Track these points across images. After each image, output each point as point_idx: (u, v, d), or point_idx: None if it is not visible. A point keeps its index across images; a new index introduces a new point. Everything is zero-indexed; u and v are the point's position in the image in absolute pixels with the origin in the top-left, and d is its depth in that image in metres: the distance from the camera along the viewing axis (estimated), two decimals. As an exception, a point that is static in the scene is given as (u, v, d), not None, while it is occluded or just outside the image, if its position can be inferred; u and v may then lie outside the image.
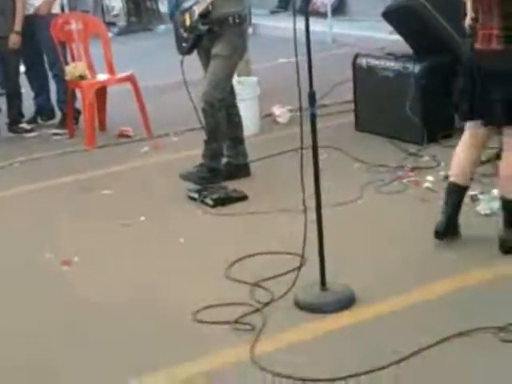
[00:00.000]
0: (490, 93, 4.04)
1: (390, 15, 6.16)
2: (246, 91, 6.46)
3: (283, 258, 4.27)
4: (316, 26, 10.87)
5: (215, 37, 5.40)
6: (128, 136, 6.90)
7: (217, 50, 5.40)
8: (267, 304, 3.84)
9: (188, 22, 5.48)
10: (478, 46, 4.07)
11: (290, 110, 6.85)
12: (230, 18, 5.37)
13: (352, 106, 6.54)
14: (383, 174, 5.44)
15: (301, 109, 3.97)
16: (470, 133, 4.27)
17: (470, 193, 4.83)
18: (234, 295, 3.96)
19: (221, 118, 5.44)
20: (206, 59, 5.52)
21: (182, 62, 5.55)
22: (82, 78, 6.87)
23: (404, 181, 5.29)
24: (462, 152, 4.31)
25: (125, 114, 7.21)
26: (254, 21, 11.45)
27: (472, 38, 4.11)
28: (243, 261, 4.34)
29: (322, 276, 3.86)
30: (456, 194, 4.33)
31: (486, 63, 4.04)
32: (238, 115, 5.70)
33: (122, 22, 13.10)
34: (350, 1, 11.22)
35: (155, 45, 11.45)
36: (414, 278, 4.03)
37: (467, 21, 4.14)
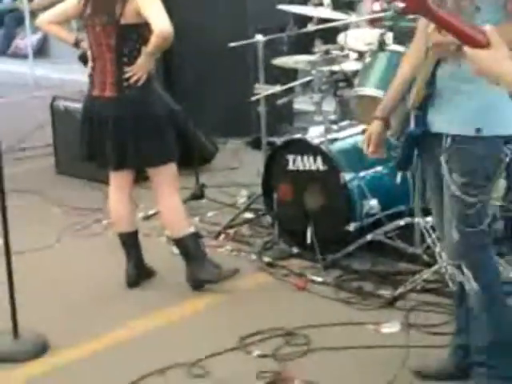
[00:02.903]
0: (104, 137, 4.16)
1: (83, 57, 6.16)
2: None
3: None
4: (17, 67, 10.69)
5: None
6: None
7: None
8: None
9: None
10: (95, 92, 4.19)
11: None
12: None
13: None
14: (83, 217, 5.42)
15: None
16: (113, 179, 4.36)
17: (167, 233, 4.94)
18: None
19: None
20: None
21: None
22: None
23: (104, 222, 5.29)
24: (114, 201, 4.39)
25: None
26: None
27: (90, 86, 4.22)
28: None
29: (14, 324, 3.75)
30: (129, 242, 4.39)
31: (101, 109, 4.16)
32: None
33: None
34: (52, 43, 11.10)
35: None
36: (109, 320, 4.03)
37: (88, 70, 4.23)
